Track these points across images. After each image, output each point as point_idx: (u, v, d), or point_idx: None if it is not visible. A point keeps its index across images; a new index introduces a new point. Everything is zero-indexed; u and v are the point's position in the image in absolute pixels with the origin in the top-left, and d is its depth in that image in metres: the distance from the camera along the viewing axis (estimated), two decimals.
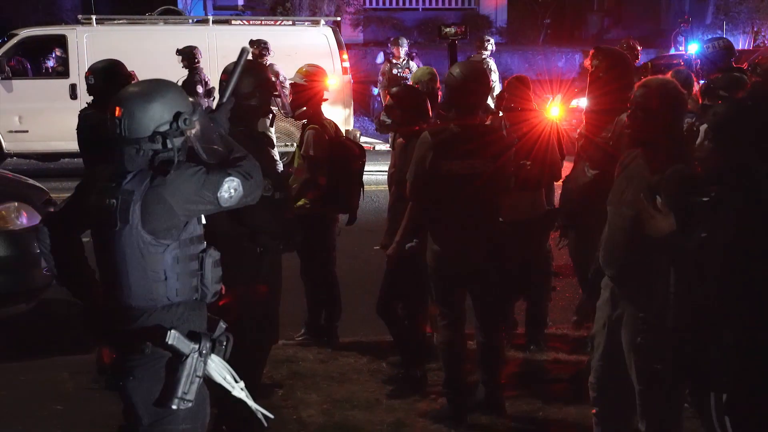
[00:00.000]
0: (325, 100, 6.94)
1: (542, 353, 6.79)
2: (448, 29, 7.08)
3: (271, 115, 6.81)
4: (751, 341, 3.74)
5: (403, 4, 26.77)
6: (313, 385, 6.21)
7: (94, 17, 14.02)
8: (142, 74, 14.57)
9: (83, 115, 6.15)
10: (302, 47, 14.00)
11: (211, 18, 14.81)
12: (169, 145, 3.39)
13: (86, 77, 6.25)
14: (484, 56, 13.88)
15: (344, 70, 14.52)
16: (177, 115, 3.44)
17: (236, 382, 3.56)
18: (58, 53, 15.50)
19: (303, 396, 6.02)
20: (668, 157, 4.19)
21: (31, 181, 7.95)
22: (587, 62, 5.87)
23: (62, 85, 14.17)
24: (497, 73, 14.33)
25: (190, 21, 14.79)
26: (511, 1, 27.49)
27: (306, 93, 6.68)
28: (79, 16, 14.25)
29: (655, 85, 4.39)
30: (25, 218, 6.97)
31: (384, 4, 26.55)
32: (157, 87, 3.52)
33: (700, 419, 4.00)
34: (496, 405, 5.70)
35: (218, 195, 3.46)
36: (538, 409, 5.81)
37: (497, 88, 13.53)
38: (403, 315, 6.33)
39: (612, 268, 4.49)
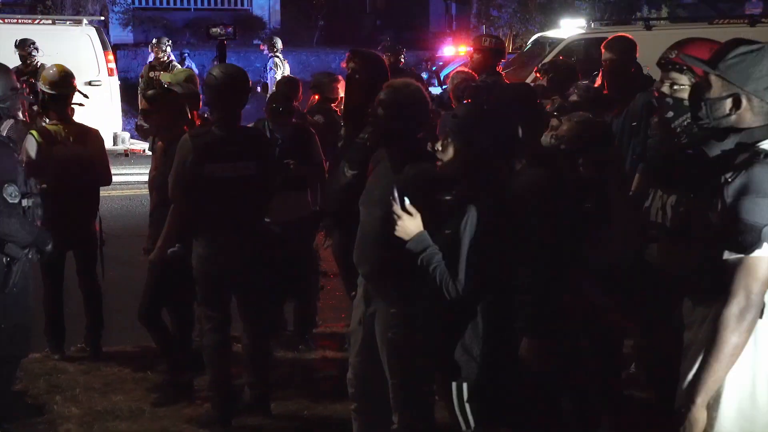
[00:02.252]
0: (80, 104, 6.76)
1: (312, 352, 6.85)
2: (215, 29, 7.02)
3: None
4: (494, 333, 3.92)
5: (174, 4, 26.30)
6: (73, 397, 5.98)
7: None
8: None
9: None
10: (64, 48, 13.45)
11: None
12: None
13: None
14: (277, 56, 13.83)
15: (110, 71, 14.09)
16: None
17: None
18: None
19: (61, 410, 5.78)
20: (409, 156, 4.33)
21: None
22: (344, 64, 5.96)
23: None
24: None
25: None
26: (284, 3, 27.55)
27: None
28: None
29: (398, 85, 4.53)
30: None
31: (153, 3, 25.98)
32: None
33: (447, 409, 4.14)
34: (263, 406, 5.71)
35: None
36: (304, 408, 5.84)
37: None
38: (173, 320, 6.24)
39: (364, 266, 4.58)
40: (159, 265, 5.89)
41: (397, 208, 3.83)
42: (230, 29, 7.05)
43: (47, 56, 12.66)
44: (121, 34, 24.42)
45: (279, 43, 14.93)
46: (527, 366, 4.35)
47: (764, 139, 3.11)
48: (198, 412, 5.74)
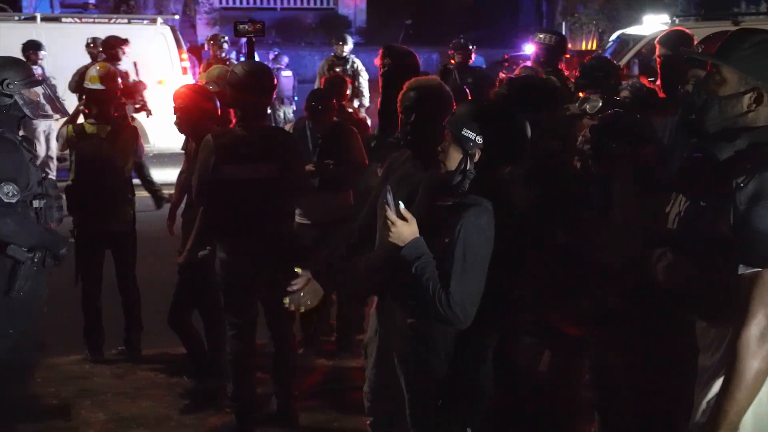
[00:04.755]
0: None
1: (351, 360, 6.60)
2: (242, 26, 6.83)
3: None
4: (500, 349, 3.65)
5: (260, 3, 26.38)
6: (102, 402, 5.88)
7: None
8: None
9: None
10: (139, 47, 13.51)
11: (38, 15, 14.17)
12: None
13: None
14: (345, 54, 13.53)
15: (183, 70, 14.11)
16: None
17: None
18: None
19: (87, 415, 5.68)
20: (432, 159, 4.05)
21: None
22: (377, 61, 5.71)
23: None
24: (364, 73, 13.63)
25: (17, 18, 14.09)
26: (370, 1, 27.39)
27: None
28: None
29: (420, 83, 4.26)
30: None
31: (240, 3, 26.11)
32: None
33: None
34: (289, 416, 5.49)
35: None
36: (333, 420, 5.62)
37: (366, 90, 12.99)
38: (205, 325, 6.09)
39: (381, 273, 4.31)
40: (188, 268, 5.74)
41: (390, 213, 3.55)
42: (259, 26, 6.80)
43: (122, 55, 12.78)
44: (207, 33, 24.57)
45: (350, 42, 14.54)
46: (550, 384, 4.06)
47: None
48: (223, 421, 5.56)
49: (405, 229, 3.54)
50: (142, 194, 6.99)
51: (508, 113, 3.65)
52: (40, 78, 4.75)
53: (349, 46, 13.08)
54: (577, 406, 4.47)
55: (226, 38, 14.39)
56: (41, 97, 4.64)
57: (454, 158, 3.55)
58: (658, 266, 2.97)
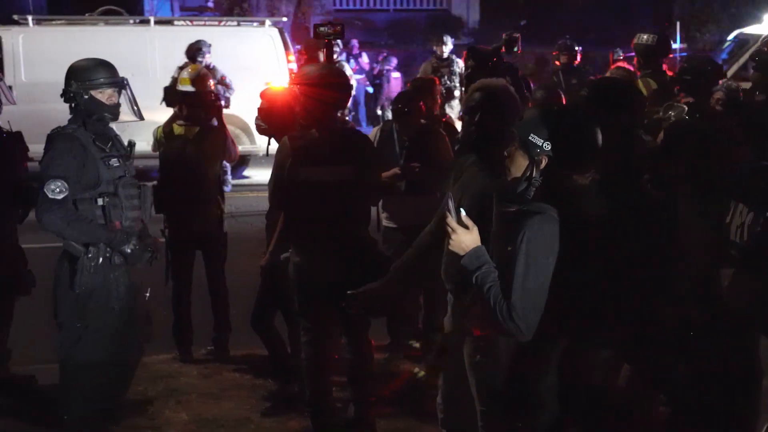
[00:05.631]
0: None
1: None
2: (323, 28, 6.78)
3: None
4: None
5: (373, 5, 26.46)
6: (186, 402, 5.93)
7: (30, 17, 13.65)
8: None
9: None
10: (246, 49, 13.74)
11: (152, 19, 14.49)
12: None
13: None
14: (446, 55, 13.46)
15: (290, 72, 14.21)
16: None
17: None
18: None
19: (170, 415, 5.75)
20: (496, 162, 3.92)
21: None
22: (462, 62, 5.60)
23: None
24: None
25: (131, 21, 14.45)
26: (483, 2, 27.18)
27: None
28: (15, 16, 13.84)
29: (484, 85, 4.14)
30: None
31: (353, 5, 26.25)
32: None
33: None
34: (366, 422, 5.42)
35: None
36: (412, 428, 5.53)
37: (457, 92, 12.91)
38: (288, 328, 6.09)
39: (450, 283, 4.21)
40: (271, 271, 5.73)
41: (451, 220, 3.44)
42: (339, 28, 6.74)
43: (229, 57, 13.01)
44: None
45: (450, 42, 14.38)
46: (628, 400, 3.89)
47: None
48: (303, 425, 5.53)
49: (466, 237, 3.43)
50: (236, 195, 7.05)
51: (578, 119, 3.50)
52: (117, 81, 4.77)
53: (448, 47, 12.98)
54: (656, 422, 4.27)
55: (338, 41, 14.43)
56: (119, 98, 4.71)
57: (519, 164, 3.43)
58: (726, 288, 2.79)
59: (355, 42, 19.92)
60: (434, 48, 13.25)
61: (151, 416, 5.75)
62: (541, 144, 3.36)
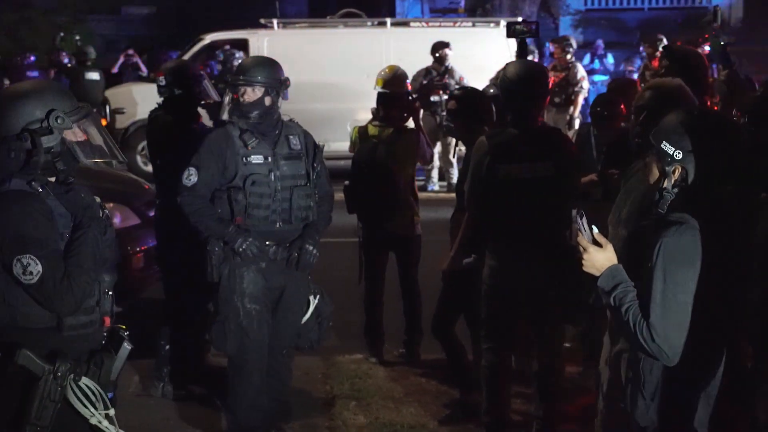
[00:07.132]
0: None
1: None
2: (518, 26, 6.56)
3: None
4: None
5: (627, 4, 25.55)
6: (367, 405, 5.88)
7: (275, 21, 14.20)
8: (319, 76, 14.59)
9: (152, 117, 6.07)
10: (478, 50, 13.65)
11: (389, 21, 14.70)
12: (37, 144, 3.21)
13: (157, 78, 6.14)
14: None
15: None
16: (50, 113, 3.25)
17: (106, 408, 3.33)
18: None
19: (348, 416, 5.71)
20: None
21: (140, 180, 8.20)
22: (656, 63, 5.21)
23: None
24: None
25: (369, 24, 14.73)
26: None
27: None
28: (261, 20, 14.46)
29: (656, 84, 3.81)
30: (119, 219, 7.09)
31: (606, 4, 25.47)
32: (35, 85, 3.42)
33: None
34: None
35: None
36: None
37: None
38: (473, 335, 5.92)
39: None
40: (453, 276, 5.60)
41: (582, 239, 3.16)
42: (534, 26, 6.49)
43: (462, 57, 13.02)
44: (572, 35, 24.25)
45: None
46: None
47: None
48: None
49: (599, 256, 3.16)
50: (430, 197, 6.95)
51: (720, 125, 3.13)
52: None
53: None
54: None
55: (572, 41, 14.13)
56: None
57: (655, 174, 3.12)
58: None
59: (600, 42, 19.33)
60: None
61: (331, 416, 5.76)
62: (672, 153, 3.05)
